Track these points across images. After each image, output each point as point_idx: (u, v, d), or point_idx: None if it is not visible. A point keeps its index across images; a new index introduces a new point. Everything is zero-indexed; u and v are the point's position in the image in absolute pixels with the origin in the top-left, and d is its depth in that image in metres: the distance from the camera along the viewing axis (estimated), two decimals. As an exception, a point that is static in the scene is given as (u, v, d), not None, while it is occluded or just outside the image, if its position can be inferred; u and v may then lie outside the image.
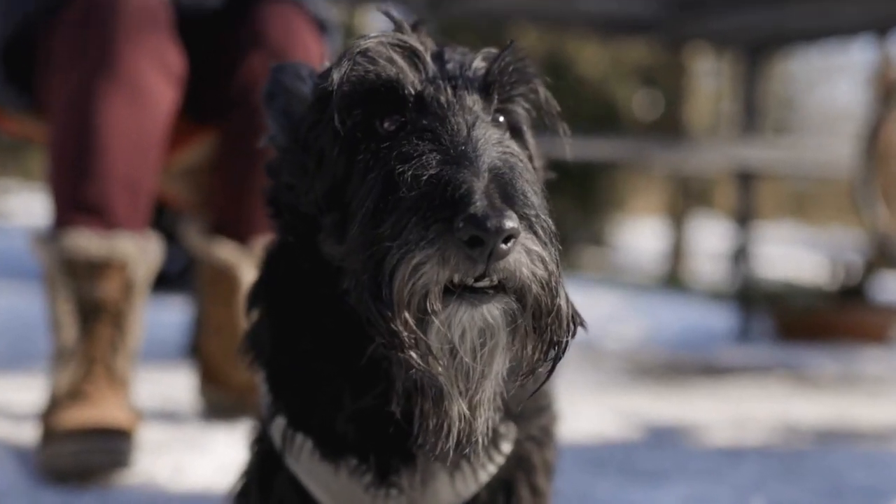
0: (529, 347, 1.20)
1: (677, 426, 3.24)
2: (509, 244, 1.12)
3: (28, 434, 2.61)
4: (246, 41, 2.75)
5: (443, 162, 1.19)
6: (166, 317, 4.92)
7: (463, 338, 1.16)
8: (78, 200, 2.42)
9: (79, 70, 2.46)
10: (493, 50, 1.37)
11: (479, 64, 1.35)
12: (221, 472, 2.39)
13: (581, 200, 13.65)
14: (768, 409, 3.59)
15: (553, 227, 1.22)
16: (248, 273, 2.72)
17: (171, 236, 3.68)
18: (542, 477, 1.54)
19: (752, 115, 6.16)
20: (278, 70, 1.54)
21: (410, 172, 1.20)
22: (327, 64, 1.39)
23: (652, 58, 14.06)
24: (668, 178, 14.67)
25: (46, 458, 2.27)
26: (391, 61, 1.31)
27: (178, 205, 3.18)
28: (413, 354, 1.15)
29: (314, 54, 2.69)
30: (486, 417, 1.21)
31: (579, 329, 1.25)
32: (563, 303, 1.20)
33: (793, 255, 13.99)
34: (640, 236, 17.77)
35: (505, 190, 1.17)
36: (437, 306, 1.14)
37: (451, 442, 1.19)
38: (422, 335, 1.15)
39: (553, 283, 1.18)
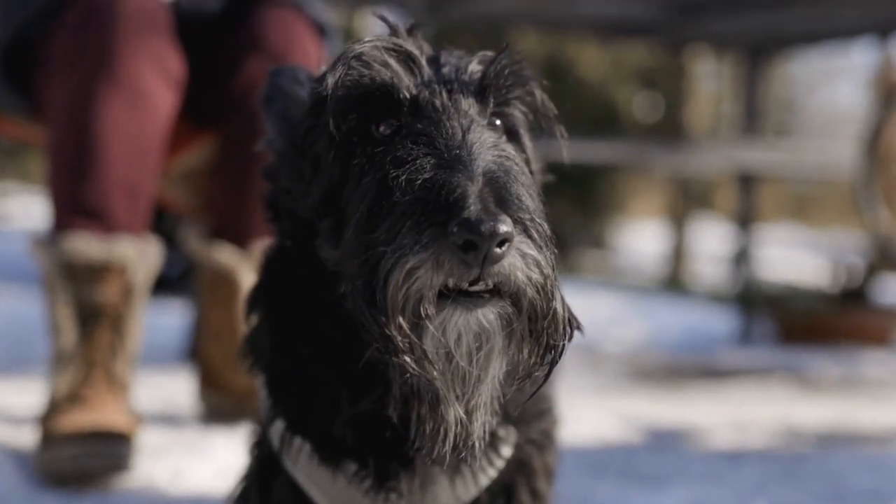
0: (526, 351, 1.19)
1: (678, 429, 3.23)
2: (504, 248, 1.12)
3: (27, 438, 2.60)
4: (245, 45, 2.75)
5: (437, 166, 1.19)
6: (166, 320, 4.92)
7: (459, 342, 1.16)
8: (77, 204, 2.42)
9: (78, 73, 2.45)
10: (490, 53, 1.36)
11: (474, 67, 1.34)
12: (221, 475, 2.39)
13: (581, 203, 13.65)
14: (769, 413, 3.59)
15: (548, 231, 1.21)
16: (247, 277, 2.71)
17: (170, 240, 3.68)
18: (543, 481, 1.54)
19: (752, 118, 6.16)
20: (276, 74, 1.53)
21: (405, 177, 1.19)
22: (324, 68, 1.39)
23: (652, 60, 14.06)
24: (668, 180, 14.66)
25: (46, 461, 2.27)
26: (386, 65, 1.30)
27: (178, 208, 3.18)
28: (408, 359, 1.14)
29: (313, 58, 2.69)
30: (482, 421, 1.20)
31: (578, 332, 1.24)
32: (559, 306, 1.19)
33: (794, 258, 13.98)
34: (641, 239, 17.76)
35: (499, 194, 1.16)
36: (432, 311, 1.14)
37: (448, 446, 1.19)
38: (416, 340, 1.14)
39: (549, 287, 1.18)
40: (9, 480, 2.30)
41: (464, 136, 1.23)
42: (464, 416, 1.18)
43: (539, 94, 1.39)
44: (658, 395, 3.91)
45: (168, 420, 2.93)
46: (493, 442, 1.44)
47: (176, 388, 3.37)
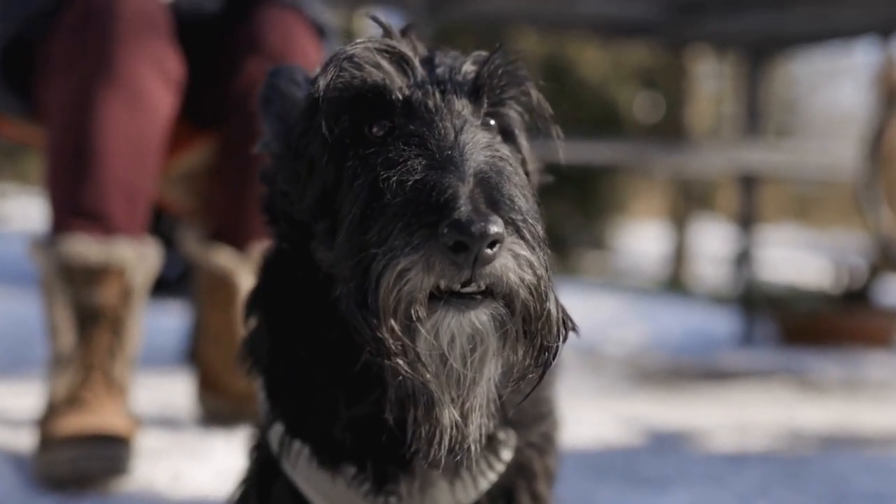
0: (520, 353, 1.19)
1: (680, 431, 3.22)
2: (495, 249, 1.11)
3: (25, 441, 2.60)
4: (244, 46, 2.74)
5: (428, 167, 1.18)
6: (164, 322, 4.91)
7: (452, 344, 1.15)
8: (76, 206, 2.41)
9: (77, 74, 2.45)
10: (484, 53, 1.36)
11: (468, 68, 1.34)
12: (220, 479, 2.39)
13: (582, 204, 13.66)
14: (772, 414, 3.58)
15: (542, 232, 1.20)
16: (246, 280, 2.70)
17: (169, 241, 3.67)
18: (543, 484, 1.53)
19: (753, 118, 6.15)
20: (274, 74, 1.53)
21: (396, 178, 1.19)
22: (317, 70, 1.38)
23: (653, 60, 14.07)
24: (669, 181, 14.67)
25: (44, 464, 2.27)
26: (378, 66, 1.30)
27: (177, 210, 3.17)
28: (400, 362, 1.14)
29: (313, 59, 2.68)
30: (478, 424, 1.19)
31: (579, 334, 1.24)
32: (552, 307, 1.18)
33: (796, 259, 13.98)
34: (642, 240, 17.77)
35: (490, 194, 1.15)
36: (423, 313, 1.13)
37: (444, 449, 1.18)
38: (409, 342, 1.14)
39: (542, 288, 1.17)
40: (7, 483, 2.30)
41: (456, 137, 1.22)
42: (459, 419, 1.18)
43: (535, 94, 1.38)
44: (659, 396, 3.91)
45: (167, 423, 2.92)
46: (492, 445, 1.44)
47: (175, 391, 3.37)
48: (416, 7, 4.64)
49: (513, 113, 1.37)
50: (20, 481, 2.32)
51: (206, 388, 2.90)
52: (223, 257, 2.76)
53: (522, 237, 1.16)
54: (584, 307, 6.65)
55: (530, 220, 1.18)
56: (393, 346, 1.13)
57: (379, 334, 1.13)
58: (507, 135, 1.37)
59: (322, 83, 1.30)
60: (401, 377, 1.15)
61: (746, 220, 6.09)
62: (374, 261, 1.14)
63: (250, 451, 1.57)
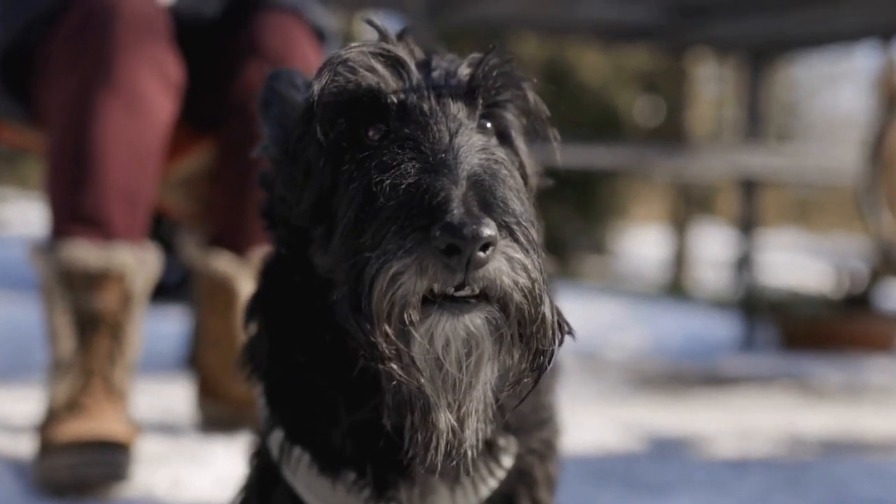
0: (516, 357, 1.18)
1: (680, 437, 3.21)
2: (488, 252, 1.10)
3: (25, 446, 2.59)
4: (244, 50, 2.74)
5: (422, 170, 1.18)
6: (164, 328, 4.90)
7: (447, 348, 1.14)
8: (75, 211, 2.41)
9: (76, 79, 2.44)
10: (480, 55, 1.35)
11: (464, 70, 1.33)
12: (220, 484, 2.39)
13: (582, 208, 13.64)
14: (773, 420, 3.57)
15: (536, 235, 1.20)
16: (245, 285, 2.70)
17: (168, 247, 3.66)
18: (545, 491, 1.53)
19: (755, 122, 6.15)
20: (274, 77, 1.52)
21: (389, 181, 1.19)
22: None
23: (653, 64, 14.05)
24: (669, 185, 14.65)
25: (44, 471, 2.27)
26: (372, 70, 1.30)
27: (176, 215, 3.16)
28: (394, 366, 1.14)
29: (312, 63, 2.67)
30: (475, 429, 1.19)
31: (575, 337, 1.23)
32: (547, 311, 1.17)
33: (796, 263, 13.97)
34: (642, 244, 17.75)
35: (483, 197, 1.15)
36: (416, 317, 1.13)
37: (441, 454, 1.18)
38: (402, 346, 1.13)
39: (537, 291, 1.16)
40: (7, 489, 2.29)
41: (451, 140, 1.22)
42: (455, 424, 1.17)
43: (531, 96, 1.37)
44: (660, 402, 3.90)
45: (167, 428, 2.92)
46: (493, 452, 1.43)
47: (175, 396, 3.36)
48: (416, 11, 4.64)
49: (510, 115, 1.37)
50: (20, 487, 2.31)
51: (206, 393, 2.90)
52: (223, 262, 2.75)
53: (516, 240, 1.15)
54: (585, 312, 6.64)
55: (524, 223, 1.17)
56: (386, 351, 1.13)
57: (372, 338, 1.13)
58: (504, 138, 1.36)
59: (316, 87, 1.30)
60: (395, 381, 1.15)
61: (747, 225, 6.09)
62: (368, 265, 1.14)
63: (250, 457, 1.57)
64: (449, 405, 1.16)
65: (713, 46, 6.42)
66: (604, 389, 4.16)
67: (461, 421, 1.17)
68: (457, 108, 1.28)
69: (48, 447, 2.28)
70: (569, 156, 4.82)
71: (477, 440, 1.19)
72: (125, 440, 2.29)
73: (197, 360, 2.96)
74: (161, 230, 4.64)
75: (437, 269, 1.10)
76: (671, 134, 13.61)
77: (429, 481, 1.38)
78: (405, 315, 1.12)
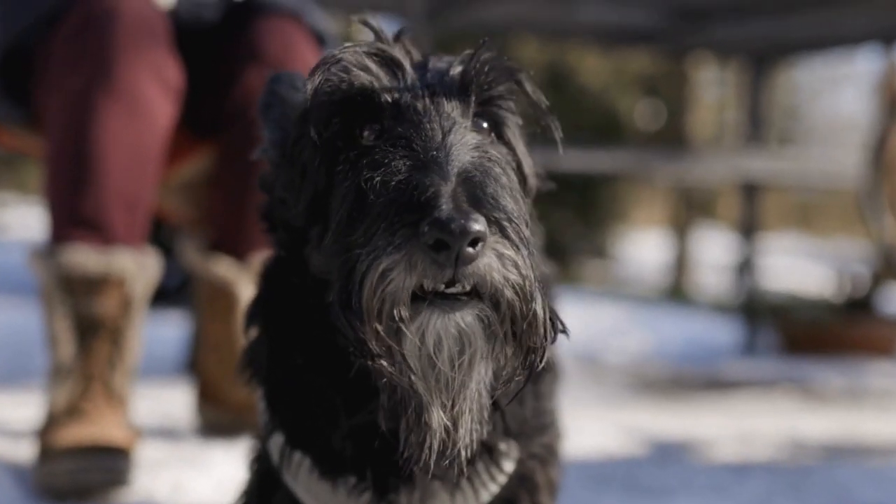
0: (508, 355, 1.18)
1: (682, 441, 3.21)
2: (477, 248, 1.10)
3: (25, 451, 2.59)
4: (244, 55, 2.74)
5: (412, 167, 1.18)
6: (164, 332, 4.90)
7: (439, 346, 1.14)
8: (75, 215, 2.40)
9: (76, 83, 2.44)
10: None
11: (456, 67, 1.33)
12: (220, 489, 2.38)
13: (583, 212, 13.63)
14: (774, 424, 3.56)
15: (528, 233, 1.19)
16: (246, 289, 2.70)
17: (168, 251, 3.66)
18: (546, 496, 1.53)
19: (756, 126, 6.14)
20: (275, 80, 1.52)
21: (379, 179, 1.19)
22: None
23: (654, 67, 14.05)
24: (670, 189, 14.64)
25: (44, 476, 2.26)
26: (366, 69, 1.30)
27: (176, 220, 3.16)
28: (384, 363, 1.14)
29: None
30: (469, 429, 1.18)
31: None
32: (538, 308, 1.17)
33: (798, 267, 13.96)
34: (643, 248, 17.74)
35: (474, 193, 1.15)
36: (406, 313, 1.12)
37: (434, 453, 1.17)
38: (392, 343, 1.13)
39: (528, 288, 1.16)
40: (7, 495, 2.29)
41: (443, 138, 1.22)
42: (448, 423, 1.17)
43: (529, 87, 1.37)
44: (661, 406, 3.89)
45: (167, 433, 2.91)
46: (494, 456, 1.43)
47: (175, 401, 3.35)
48: (416, 14, 4.64)
49: (506, 113, 1.36)
50: (20, 492, 2.31)
51: (206, 398, 2.89)
52: (223, 267, 2.75)
53: (506, 236, 1.15)
54: (586, 316, 6.63)
55: (515, 220, 1.17)
56: (375, 347, 1.13)
57: (360, 335, 1.13)
58: (501, 136, 1.36)
59: (310, 87, 1.30)
60: (386, 379, 1.15)
61: (748, 228, 6.08)
62: (358, 262, 1.14)
63: (251, 462, 1.57)
64: (443, 405, 1.16)
65: (714, 50, 6.41)
66: (605, 394, 4.15)
67: (454, 420, 1.17)
68: (451, 107, 1.28)
69: (48, 452, 2.27)
70: (569, 160, 4.82)
71: (471, 441, 1.19)
72: (125, 445, 2.29)
73: (197, 364, 2.95)
74: (161, 235, 4.64)
75: (426, 264, 1.10)
76: (672, 138, 13.61)
77: (429, 485, 1.38)
78: (395, 311, 1.12)
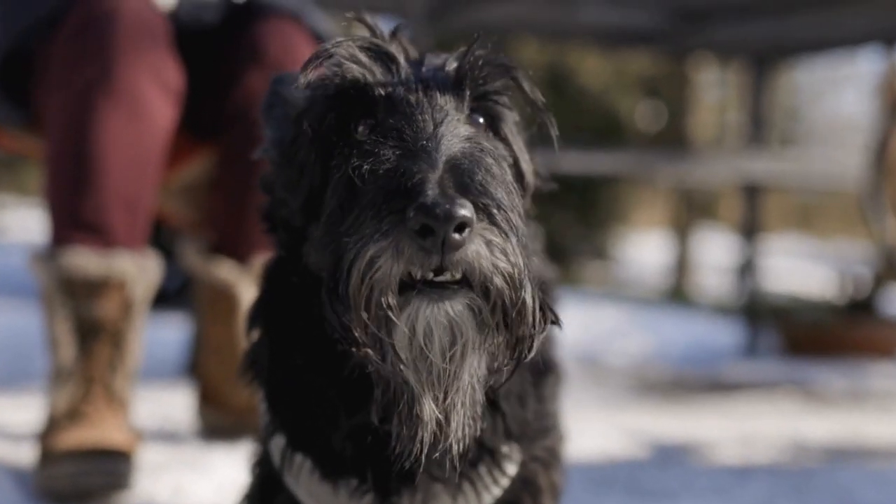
0: (501, 346, 1.17)
1: (684, 444, 3.20)
2: (464, 234, 1.09)
3: (26, 455, 2.59)
4: (244, 57, 2.73)
5: (401, 156, 1.18)
6: (165, 335, 4.89)
7: (430, 337, 1.13)
8: (76, 218, 2.40)
9: (76, 85, 2.44)
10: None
11: (452, 63, 1.33)
12: (221, 492, 2.38)
13: (584, 213, 13.62)
14: (776, 426, 3.56)
15: (518, 221, 1.18)
16: (247, 292, 2.69)
17: (169, 253, 3.65)
18: (549, 499, 1.53)
19: (757, 127, 6.14)
20: (278, 81, 1.52)
21: (368, 168, 1.18)
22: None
23: (655, 68, 14.05)
24: (672, 190, 14.65)
25: (44, 479, 2.26)
26: (357, 62, 1.29)
27: (177, 222, 3.15)
28: (370, 352, 1.13)
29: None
30: (461, 422, 1.17)
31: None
32: (528, 296, 1.16)
33: (799, 269, 13.96)
34: (644, 250, 17.75)
35: (461, 180, 1.14)
36: (393, 301, 1.12)
37: (425, 446, 1.16)
38: (377, 332, 1.12)
39: (517, 276, 1.15)
40: (8, 498, 2.29)
41: (435, 129, 1.21)
42: (440, 416, 1.16)
43: (527, 85, 1.36)
44: (663, 408, 3.89)
45: (168, 436, 2.91)
46: (496, 459, 1.42)
47: (176, 404, 3.35)
48: (416, 15, 4.64)
49: (502, 108, 1.36)
50: (21, 496, 2.31)
51: (207, 401, 2.89)
52: (224, 270, 2.75)
53: (495, 223, 1.14)
54: (587, 318, 6.62)
55: (504, 208, 1.16)
56: (360, 336, 1.12)
57: (345, 321, 1.13)
58: (497, 132, 1.35)
59: (303, 82, 1.30)
60: (375, 369, 1.15)
61: (750, 230, 6.08)
62: (347, 250, 1.13)
63: (253, 466, 1.56)
64: (435, 397, 1.15)
65: (715, 51, 6.41)
66: (606, 396, 4.15)
67: (447, 413, 1.16)
68: (444, 101, 1.28)
69: (49, 455, 2.27)
70: (570, 162, 4.82)
71: (464, 435, 1.18)
72: (126, 448, 2.28)
73: (198, 367, 2.95)
74: (161, 237, 4.63)
75: (413, 251, 1.10)
76: (673, 139, 13.61)
77: (431, 487, 1.38)
78: (383, 299, 1.11)
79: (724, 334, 6.35)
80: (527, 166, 1.40)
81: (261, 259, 2.50)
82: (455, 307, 1.13)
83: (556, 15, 5.49)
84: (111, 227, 2.41)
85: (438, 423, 1.16)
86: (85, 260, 2.36)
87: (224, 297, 2.76)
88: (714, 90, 16.50)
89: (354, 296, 1.11)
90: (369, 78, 1.29)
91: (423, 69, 1.32)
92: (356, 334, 1.12)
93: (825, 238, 22.74)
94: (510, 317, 1.15)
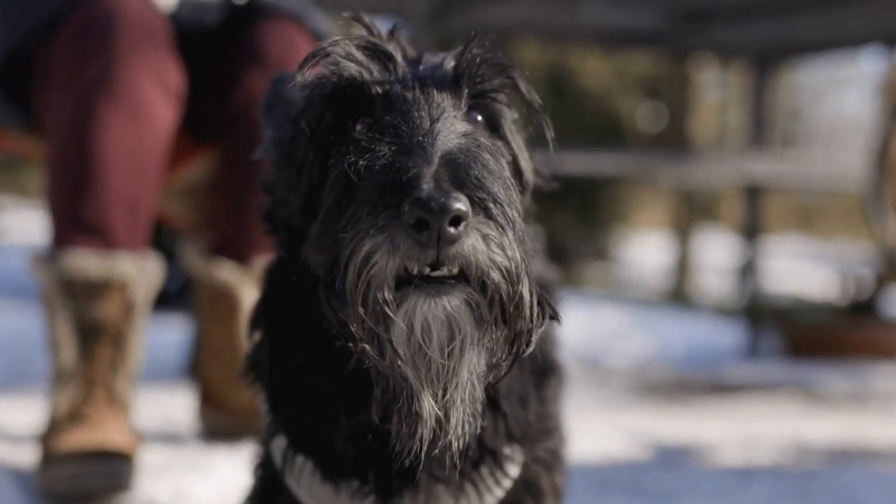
0: (500, 341, 1.16)
1: (686, 445, 3.20)
2: (459, 228, 1.09)
3: (27, 456, 2.58)
4: (245, 58, 2.73)
5: (397, 152, 1.17)
6: (165, 336, 4.89)
7: (427, 333, 1.13)
8: (77, 220, 2.40)
9: (77, 87, 2.43)
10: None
11: (449, 61, 1.33)
12: (222, 494, 2.38)
13: (585, 214, 13.61)
14: (778, 428, 3.55)
15: (515, 216, 1.18)
16: (248, 293, 2.69)
17: (170, 255, 3.65)
18: (551, 501, 1.53)
19: (759, 128, 6.14)
20: (279, 81, 1.52)
21: (364, 164, 1.18)
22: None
23: (656, 69, 14.04)
24: (673, 191, 14.63)
25: (46, 481, 2.26)
26: (354, 59, 1.30)
27: (178, 224, 3.15)
28: (367, 347, 1.13)
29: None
30: (461, 419, 1.17)
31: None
32: (525, 291, 1.16)
33: (801, 270, 13.94)
34: (645, 251, 17.73)
35: (456, 174, 1.14)
36: (390, 297, 1.11)
37: (424, 443, 1.16)
38: (374, 327, 1.12)
39: (515, 271, 1.14)
40: (9, 500, 2.29)
41: (431, 125, 1.21)
42: (439, 413, 1.15)
43: (523, 85, 1.36)
44: (665, 410, 3.88)
45: (169, 438, 2.90)
46: (498, 461, 1.42)
47: (176, 405, 3.35)
48: (417, 16, 4.64)
49: (500, 106, 1.36)
50: (23, 498, 2.31)
51: (208, 403, 2.89)
52: (224, 271, 2.74)
53: (491, 217, 1.14)
54: (588, 319, 6.61)
55: (501, 202, 1.16)
56: (357, 332, 1.12)
57: (342, 316, 1.12)
58: (496, 130, 1.35)
59: (300, 81, 1.30)
60: (372, 365, 1.14)
61: (751, 231, 6.08)
62: (343, 246, 1.13)
63: (255, 468, 1.56)
64: (434, 394, 1.15)
65: (716, 52, 6.41)
66: (608, 397, 4.14)
67: (446, 409, 1.15)
68: (441, 98, 1.28)
69: (50, 457, 2.27)
70: (571, 163, 4.81)
71: (464, 433, 1.17)
72: (127, 450, 2.28)
73: (198, 369, 2.95)
74: (162, 239, 4.63)
75: (409, 245, 1.09)
76: (674, 140, 13.60)
77: (433, 488, 1.38)
78: (379, 295, 1.11)
79: (725, 335, 6.34)
80: (525, 164, 1.40)
81: (262, 260, 2.51)
82: (452, 302, 1.12)
83: (558, 16, 5.50)
84: (112, 228, 2.41)
85: (438, 419, 1.15)
86: (86, 261, 2.36)
87: (225, 299, 2.76)
88: (715, 91, 16.49)
89: (351, 291, 1.11)
90: (366, 76, 1.29)
91: (421, 67, 1.32)
92: (353, 330, 1.12)
93: (827, 239, 22.71)
94: (508, 311, 1.15)
